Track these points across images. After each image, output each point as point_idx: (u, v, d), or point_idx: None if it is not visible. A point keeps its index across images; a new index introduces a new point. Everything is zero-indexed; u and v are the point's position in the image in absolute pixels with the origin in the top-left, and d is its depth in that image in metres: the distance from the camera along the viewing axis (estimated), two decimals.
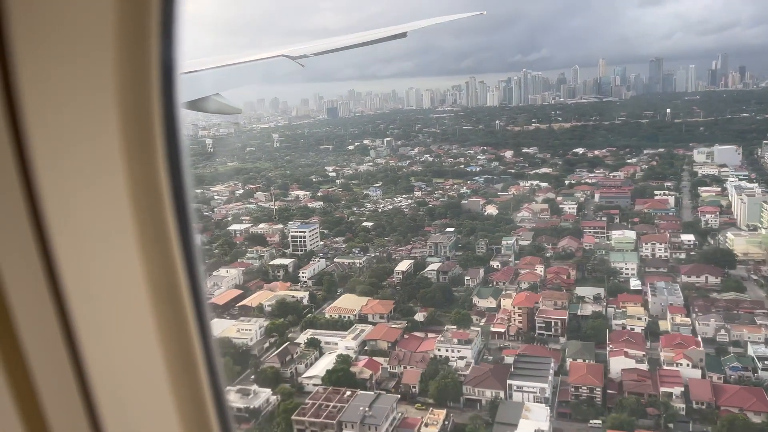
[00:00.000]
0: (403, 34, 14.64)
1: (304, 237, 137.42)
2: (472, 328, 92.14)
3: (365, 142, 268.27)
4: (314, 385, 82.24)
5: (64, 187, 2.19)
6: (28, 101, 2.08)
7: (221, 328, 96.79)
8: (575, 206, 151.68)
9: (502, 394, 76.12)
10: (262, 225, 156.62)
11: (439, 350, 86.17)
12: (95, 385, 2.38)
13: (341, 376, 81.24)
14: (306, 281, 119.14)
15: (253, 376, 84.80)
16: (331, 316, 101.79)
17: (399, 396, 76.89)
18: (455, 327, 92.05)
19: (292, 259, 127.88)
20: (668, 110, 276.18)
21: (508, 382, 76.40)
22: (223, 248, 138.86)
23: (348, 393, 76.21)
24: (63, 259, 2.24)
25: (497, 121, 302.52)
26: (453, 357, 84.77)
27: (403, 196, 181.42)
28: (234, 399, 76.85)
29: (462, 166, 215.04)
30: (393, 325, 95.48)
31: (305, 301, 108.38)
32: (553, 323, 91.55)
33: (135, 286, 2.34)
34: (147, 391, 2.49)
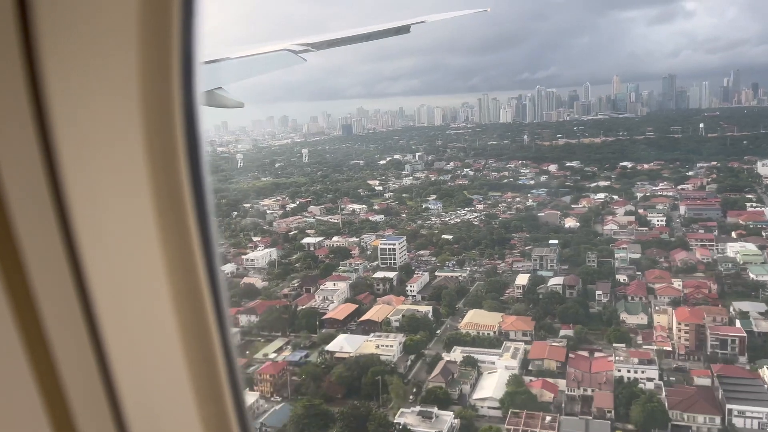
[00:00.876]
0: (407, 29, 14.39)
1: (394, 250, 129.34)
2: (645, 347, 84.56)
3: (396, 156, 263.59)
4: (490, 407, 74.24)
5: (89, 182, 2.25)
6: (54, 94, 2.12)
7: (355, 344, 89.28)
8: (663, 218, 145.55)
9: (717, 419, 68.48)
10: (336, 238, 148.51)
11: (619, 371, 78.37)
12: (119, 382, 2.44)
13: (524, 399, 73.26)
14: (415, 295, 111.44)
15: (415, 397, 76.77)
16: (467, 332, 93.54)
17: (610, 422, 68.89)
18: (623, 345, 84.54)
19: (395, 272, 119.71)
20: (701, 125, 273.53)
21: (728, 406, 68.68)
22: (306, 262, 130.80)
23: (548, 418, 68.47)
24: (88, 255, 2.28)
25: (524, 136, 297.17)
26: (640, 378, 76.93)
27: (465, 209, 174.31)
28: (415, 423, 68.88)
29: (509, 180, 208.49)
30: (554, 344, 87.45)
31: (429, 316, 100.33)
32: (729, 340, 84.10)
33: (157, 285, 2.39)
34: (169, 389, 2.56)
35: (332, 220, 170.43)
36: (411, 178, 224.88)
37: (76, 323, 2.34)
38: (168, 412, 2.59)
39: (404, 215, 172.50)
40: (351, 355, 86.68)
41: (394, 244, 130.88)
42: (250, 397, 76.28)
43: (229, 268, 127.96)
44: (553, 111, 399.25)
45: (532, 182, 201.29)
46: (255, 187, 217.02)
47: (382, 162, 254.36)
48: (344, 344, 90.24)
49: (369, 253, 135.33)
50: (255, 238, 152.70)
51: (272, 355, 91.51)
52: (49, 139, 2.16)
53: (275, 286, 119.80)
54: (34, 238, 2.22)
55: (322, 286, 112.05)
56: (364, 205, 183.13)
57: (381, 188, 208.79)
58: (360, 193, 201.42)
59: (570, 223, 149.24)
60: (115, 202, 2.30)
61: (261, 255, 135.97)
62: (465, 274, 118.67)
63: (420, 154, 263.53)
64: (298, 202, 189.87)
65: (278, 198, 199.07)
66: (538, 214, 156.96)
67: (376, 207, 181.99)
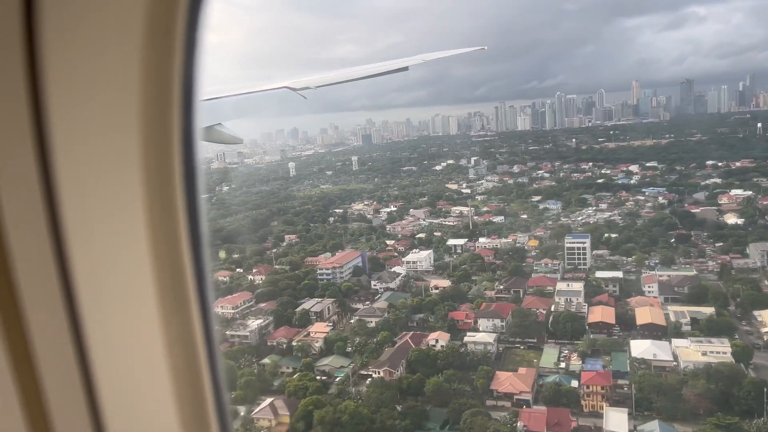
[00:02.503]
0: (405, 68, 14.67)
1: (582, 248, 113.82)
2: None
3: (450, 161, 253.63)
4: None
5: (82, 187, 2.26)
6: (54, 112, 2.15)
7: (667, 350, 72.99)
8: None
9: None
10: (483, 239, 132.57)
11: None
12: (100, 386, 2.43)
13: None
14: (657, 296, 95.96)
15: None
16: None
17: None
18: None
19: (618, 272, 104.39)
20: (759, 124, 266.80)
21: None
22: (474, 264, 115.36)
23: None
24: (77, 261, 2.29)
25: (573, 140, 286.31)
26: None
27: (588, 209, 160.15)
28: None
29: (602, 180, 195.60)
30: None
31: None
32: None
33: (145, 294, 2.40)
34: (150, 393, 2.55)
35: (446, 223, 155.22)
36: (483, 180, 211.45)
37: (59, 325, 2.32)
38: (148, 415, 2.55)
39: (524, 216, 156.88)
40: (675, 363, 71.11)
41: (584, 242, 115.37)
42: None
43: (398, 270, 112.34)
44: (575, 117, 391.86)
45: (632, 181, 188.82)
46: (322, 193, 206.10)
47: (438, 168, 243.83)
48: (656, 351, 74.22)
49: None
50: (389, 242, 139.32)
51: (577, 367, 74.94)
52: (45, 143, 2.16)
53: (468, 288, 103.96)
54: (24, 240, 2.21)
55: (556, 287, 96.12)
56: (469, 208, 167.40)
57: (468, 191, 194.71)
58: (451, 196, 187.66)
59: (730, 219, 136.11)
60: (106, 206, 2.29)
61: (422, 257, 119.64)
62: (692, 273, 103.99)
63: (475, 158, 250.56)
64: (394, 206, 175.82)
65: (367, 203, 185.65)
66: (694, 212, 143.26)
67: (485, 209, 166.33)
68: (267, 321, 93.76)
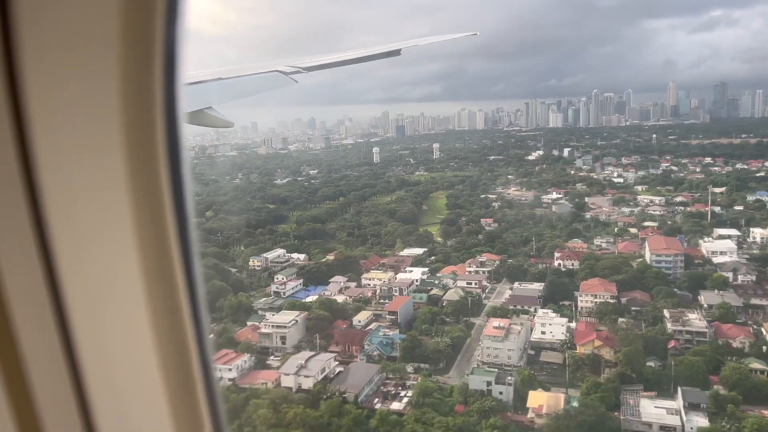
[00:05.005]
0: (398, 52, 14.23)
1: None
2: None
3: (539, 152, 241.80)
4: None
5: (67, 191, 2.22)
6: (34, 107, 2.10)
7: None
8: None
9: None
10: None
11: None
12: (90, 385, 2.39)
13: None
14: None
15: None
16: None
17: None
18: None
19: None
20: None
21: None
22: None
23: None
24: (63, 263, 2.26)
25: (654, 136, 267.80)
26: None
27: None
28: None
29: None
30: None
31: None
32: None
33: (134, 292, 2.38)
34: (142, 392, 2.54)
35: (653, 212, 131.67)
36: (609, 171, 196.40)
37: (47, 324, 2.28)
38: (140, 414, 2.54)
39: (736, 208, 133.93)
40: None
41: None
42: None
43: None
44: (612, 116, 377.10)
45: None
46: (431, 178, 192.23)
47: (530, 158, 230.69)
48: None
49: None
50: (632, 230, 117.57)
51: None
52: (25, 139, 2.11)
53: None
54: (7, 240, 2.17)
55: None
56: (660, 197, 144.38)
57: (621, 180, 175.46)
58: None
59: None
60: (91, 202, 2.25)
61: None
62: None
63: (568, 149, 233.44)
64: (557, 193, 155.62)
65: (515, 188, 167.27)
66: None
67: (678, 198, 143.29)
68: None
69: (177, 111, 2.36)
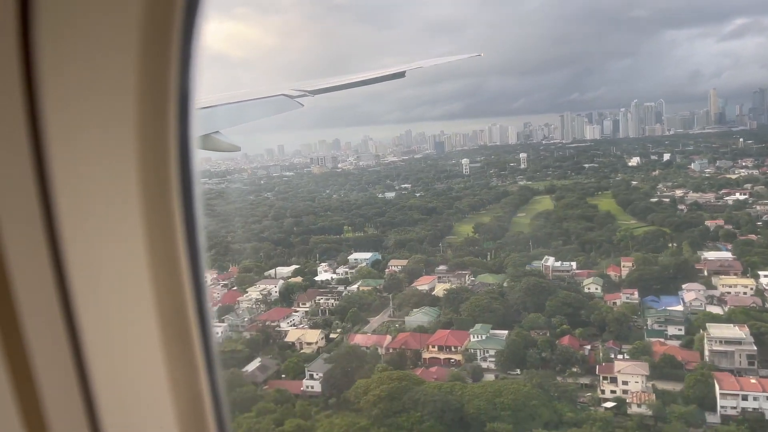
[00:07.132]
0: (402, 74, 14.41)
1: None
2: None
3: (637, 158, 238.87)
4: None
5: (79, 195, 2.26)
6: (50, 118, 2.13)
7: None
8: None
9: None
10: None
11: None
12: (96, 383, 2.42)
13: None
14: None
15: None
16: None
17: None
18: None
19: None
20: None
21: None
22: None
23: None
24: (72, 264, 2.29)
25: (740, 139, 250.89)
26: None
27: None
28: None
29: None
30: None
31: None
32: None
33: (142, 294, 2.41)
34: (147, 392, 2.56)
35: None
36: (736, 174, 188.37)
37: (55, 324, 2.32)
38: (145, 413, 2.56)
39: None
40: None
41: None
42: None
43: None
44: (656, 125, 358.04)
45: None
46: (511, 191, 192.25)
47: (631, 164, 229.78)
48: None
49: None
50: None
51: None
52: (41, 147, 2.15)
53: None
54: (19, 242, 2.20)
55: None
56: None
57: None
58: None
59: None
60: (103, 210, 2.30)
61: None
62: None
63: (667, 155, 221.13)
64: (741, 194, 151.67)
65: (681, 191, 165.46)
66: None
67: None
68: None
69: (190, 130, 2.38)
